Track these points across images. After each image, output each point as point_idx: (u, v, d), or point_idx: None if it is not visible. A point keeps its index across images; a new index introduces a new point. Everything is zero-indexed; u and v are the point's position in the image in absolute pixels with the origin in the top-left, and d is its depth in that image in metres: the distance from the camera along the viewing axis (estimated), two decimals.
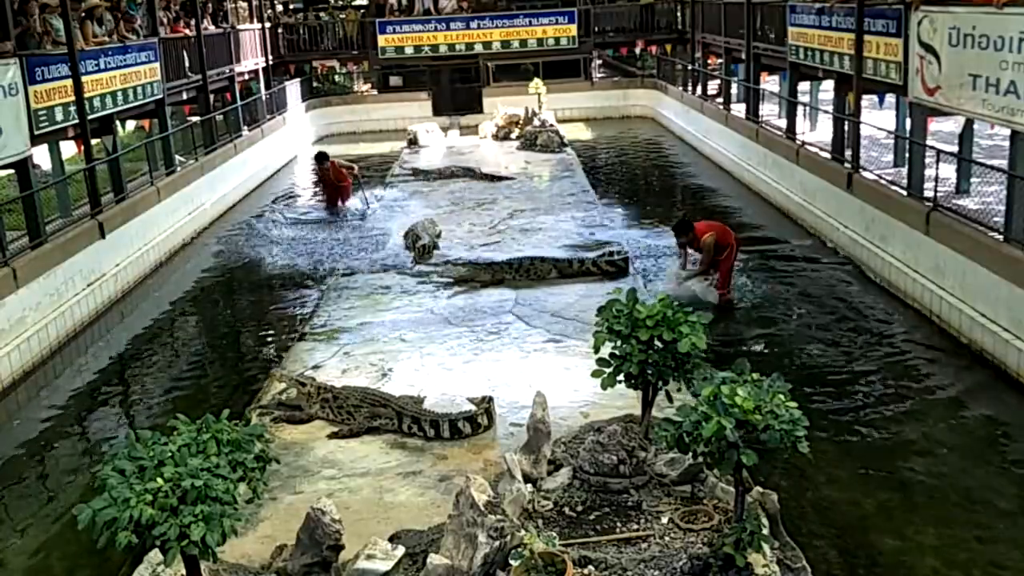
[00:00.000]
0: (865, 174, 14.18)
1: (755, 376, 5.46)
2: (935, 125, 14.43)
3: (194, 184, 18.05)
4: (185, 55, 19.58)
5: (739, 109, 21.13)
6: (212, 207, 18.82)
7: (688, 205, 17.88)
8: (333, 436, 7.89)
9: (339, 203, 18.30)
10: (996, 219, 10.83)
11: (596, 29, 28.72)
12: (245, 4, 26.47)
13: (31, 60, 12.88)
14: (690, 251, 12.29)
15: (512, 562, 5.14)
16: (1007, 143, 11.35)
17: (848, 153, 15.00)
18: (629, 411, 7.54)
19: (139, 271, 14.85)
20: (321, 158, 18.30)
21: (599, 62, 31.87)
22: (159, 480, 4.56)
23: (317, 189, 18.71)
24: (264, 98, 24.80)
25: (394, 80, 29.32)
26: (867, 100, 15.55)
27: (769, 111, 20.90)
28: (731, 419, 5.09)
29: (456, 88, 28.78)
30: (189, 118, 21.30)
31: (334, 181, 18.23)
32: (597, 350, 6.65)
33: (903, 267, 12.11)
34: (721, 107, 22.18)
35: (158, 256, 15.73)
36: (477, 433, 7.78)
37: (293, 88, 27.30)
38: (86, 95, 14.13)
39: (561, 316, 10.79)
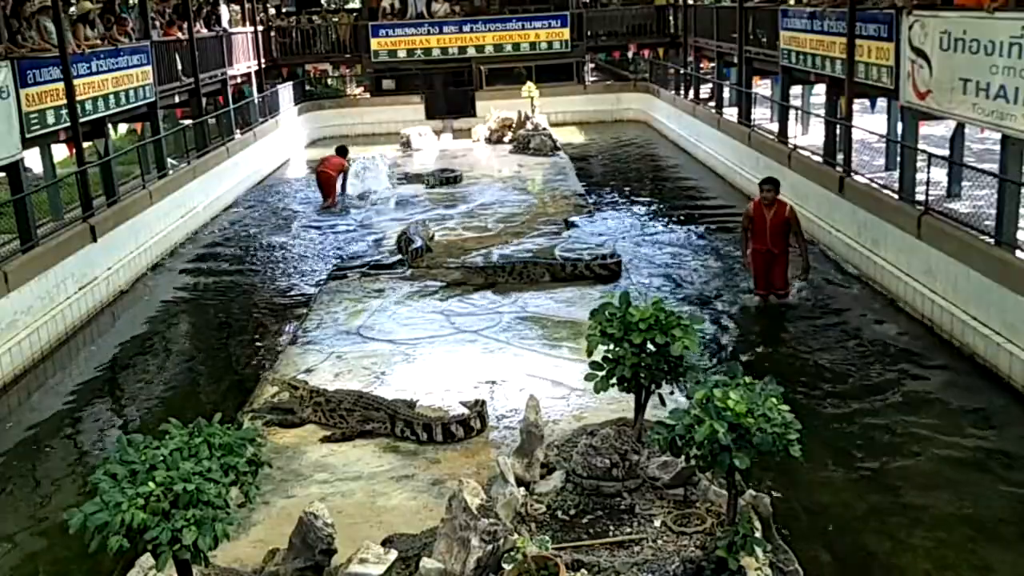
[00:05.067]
0: (857, 178, 14.22)
1: (747, 379, 5.47)
2: (926, 129, 14.48)
3: (186, 187, 18.02)
4: (178, 58, 19.55)
5: (731, 113, 21.18)
6: (204, 210, 18.78)
7: (681, 207, 17.91)
8: (326, 440, 7.88)
9: (330, 197, 18.91)
10: (987, 223, 10.87)
11: (589, 33, 28.77)
12: (238, 7, 26.44)
13: (23, 63, 12.86)
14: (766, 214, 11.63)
15: (505, 566, 5.14)
16: (998, 147, 11.39)
17: (840, 157, 15.05)
18: (622, 415, 7.54)
19: (131, 274, 14.81)
20: (342, 151, 19.34)
21: (592, 66, 31.92)
22: (151, 484, 4.54)
23: (338, 180, 19.25)
24: (257, 101, 24.78)
25: (387, 83, 29.32)
26: (859, 104, 15.61)
27: (761, 115, 20.94)
28: (724, 422, 5.09)
29: (449, 91, 28.81)
30: (181, 121, 21.26)
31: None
32: (590, 353, 6.65)
33: (895, 270, 12.15)
34: (713, 111, 22.23)
35: (150, 259, 15.69)
36: (470, 437, 7.78)
37: (286, 91, 27.28)
38: (78, 98, 14.09)
39: (554, 319, 10.79)
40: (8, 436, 9.76)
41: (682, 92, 25.53)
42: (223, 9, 24.47)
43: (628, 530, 5.97)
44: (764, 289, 11.97)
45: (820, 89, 18.30)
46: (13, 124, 12.41)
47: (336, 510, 6.33)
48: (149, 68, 17.48)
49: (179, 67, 19.60)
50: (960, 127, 13.46)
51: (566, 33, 27.96)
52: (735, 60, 21.14)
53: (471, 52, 28.02)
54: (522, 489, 6.36)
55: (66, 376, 11.45)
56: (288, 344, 10.69)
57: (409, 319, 11.07)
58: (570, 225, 15.58)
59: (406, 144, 24.25)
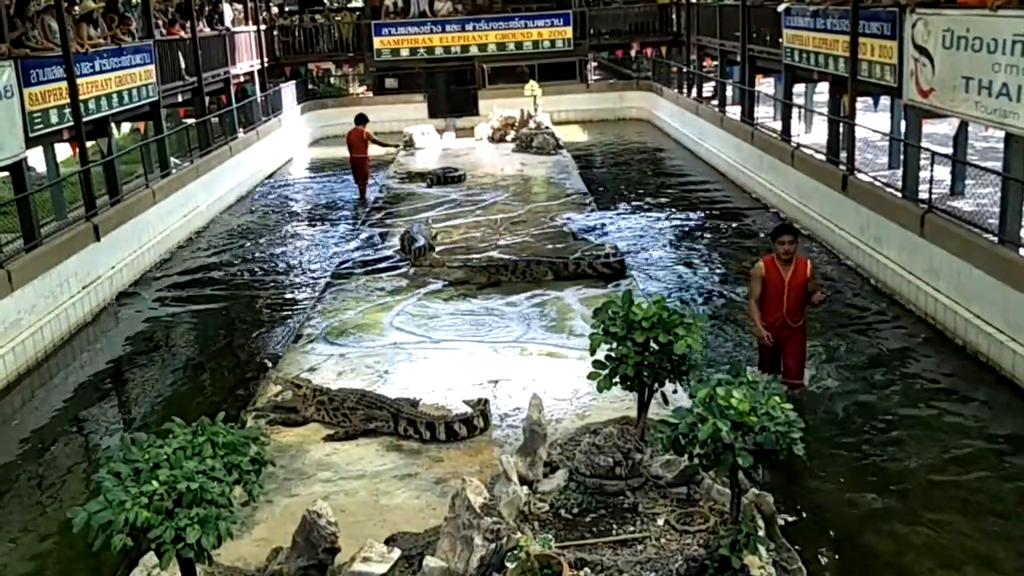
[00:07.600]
0: (860, 176, 14.20)
1: (750, 378, 5.47)
2: (929, 127, 14.45)
3: (189, 186, 18.04)
4: (180, 57, 19.57)
5: (734, 111, 21.16)
6: (207, 209, 18.81)
7: (684, 205, 17.90)
8: (329, 439, 7.88)
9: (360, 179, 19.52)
10: (991, 221, 10.87)
11: (591, 31, 28.76)
12: (240, 6, 26.46)
13: (26, 62, 12.86)
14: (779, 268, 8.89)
15: (508, 564, 5.13)
16: (1001, 145, 11.38)
17: (843, 155, 15.04)
18: (625, 413, 7.54)
19: (134, 273, 14.83)
20: (361, 119, 19.57)
21: (594, 64, 31.91)
22: (154, 483, 4.54)
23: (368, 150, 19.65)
24: (259, 100, 24.80)
25: (390, 82, 29.33)
26: (861, 102, 15.59)
27: (764, 113, 20.93)
28: (727, 421, 5.09)
29: (452, 90, 28.80)
30: (184, 120, 21.28)
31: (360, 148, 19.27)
32: (593, 352, 6.65)
33: (898, 269, 12.14)
34: (716, 109, 22.22)
35: (153, 258, 15.71)
36: (473, 435, 7.77)
37: (288, 90, 27.30)
38: (81, 97, 14.12)
39: (557, 318, 10.79)
40: (12, 435, 9.78)
41: (685, 91, 25.51)
42: (226, 8, 24.48)
43: (631, 528, 5.97)
44: (770, 371, 8.99)
45: (823, 87, 18.26)
46: (16, 123, 12.42)
47: (339, 509, 6.33)
48: (152, 67, 17.50)
49: (182, 66, 19.61)
50: (963, 125, 13.44)
51: (569, 32, 27.94)
52: (738, 58, 21.12)
53: (474, 51, 28.01)
54: (525, 488, 6.36)
55: (69, 375, 11.47)
56: (291, 343, 10.69)
57: (411, 317, 11.06)
58: (573, 225, 15.56)
59: (409, 143, 24.25)
